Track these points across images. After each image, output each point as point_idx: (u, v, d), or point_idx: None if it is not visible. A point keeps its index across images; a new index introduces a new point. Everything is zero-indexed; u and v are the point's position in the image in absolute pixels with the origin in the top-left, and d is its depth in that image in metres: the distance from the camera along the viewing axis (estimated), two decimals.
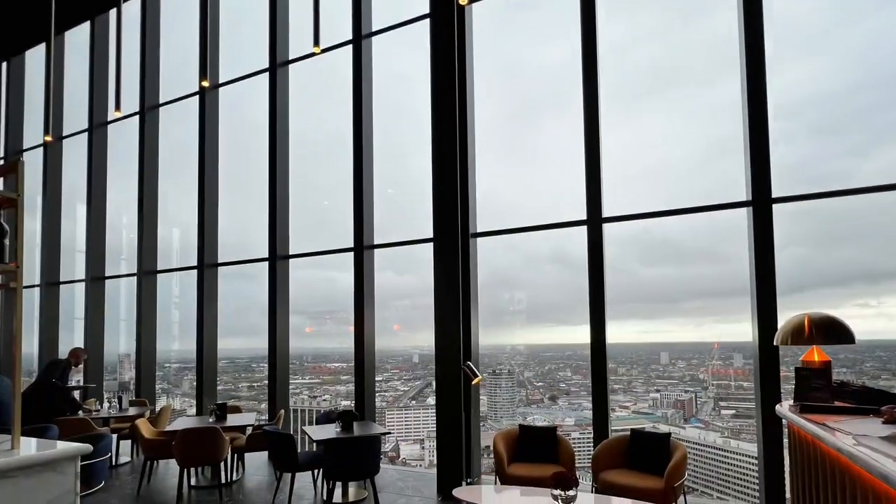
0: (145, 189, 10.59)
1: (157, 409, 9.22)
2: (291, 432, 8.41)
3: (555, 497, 4.11)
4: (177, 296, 11.09)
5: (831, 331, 4.01)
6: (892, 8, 5.92)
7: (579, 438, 7.71)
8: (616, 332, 6.58)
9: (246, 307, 10.47)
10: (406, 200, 8.95)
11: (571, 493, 4.06)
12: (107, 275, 11.35)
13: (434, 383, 7.18)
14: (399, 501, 6.46)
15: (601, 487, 5.45)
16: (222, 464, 6.97)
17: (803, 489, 3.87)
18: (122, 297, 11.50)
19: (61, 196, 12.36)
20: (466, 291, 7.09)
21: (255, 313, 9.40)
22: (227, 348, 10.02)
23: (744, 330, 5.98)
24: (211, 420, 7.43)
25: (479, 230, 7.38)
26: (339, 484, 6.62)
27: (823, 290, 6.13)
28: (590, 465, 5.85)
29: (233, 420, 7.54)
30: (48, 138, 11.08)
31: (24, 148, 13.08)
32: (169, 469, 7.97)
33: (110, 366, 11.75)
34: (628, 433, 5.91)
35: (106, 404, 8.86)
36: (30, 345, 12.31)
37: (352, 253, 8.14)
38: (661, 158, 7.15)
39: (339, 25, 8.53)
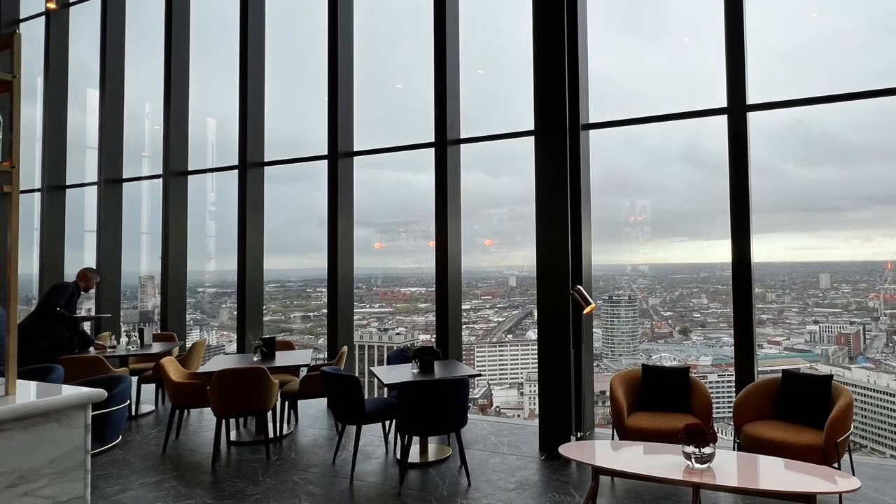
0: (173, 70, 11.41)
1: (188, 345, 10.18)
2: (357, 374, 9.29)
3: (687, 455, 4.56)
4: (213, 203, 12.10)
5: None
6: None
7: (717, 382, 8.44)
8: (764, 249, 7.17)
9: (299, 218, 11.42)
10: (500, 84, 9.52)
11: (708, 450, 4.49)
12: (125, 177, 12.35)
13: (535, 313, 7.70)
14: (491, 461, 6.84)
15: (745, 443, 5.88)
16: (269, 414, 7.45)
17: None
18: (144, 204, 12.63)
19: (68, 78, 13.30)
20: (576, 198, 7.68)
21: (312, 226, 10.24)
22: (275, 269, 10.90)
23: None
24: (256, 359, 7.95)
25: (591, 121, 7.97)
26: (416, 439, 6.88)
27: None
28: (731, 415, 6.37)
29: (283, 359, 8.01)
30: (51, 5, 12.03)
31: (21, 18, 13.90)
32: (203, 420, 8.57)
33: (129, 291, 12.89)
34: (779, 376, 6.39)
35: (124, 339, 9.30)
36: (28, 265, 13.28)
37: (432, 149, 8.83)
38: (820, 32, 7.47)
39: None
